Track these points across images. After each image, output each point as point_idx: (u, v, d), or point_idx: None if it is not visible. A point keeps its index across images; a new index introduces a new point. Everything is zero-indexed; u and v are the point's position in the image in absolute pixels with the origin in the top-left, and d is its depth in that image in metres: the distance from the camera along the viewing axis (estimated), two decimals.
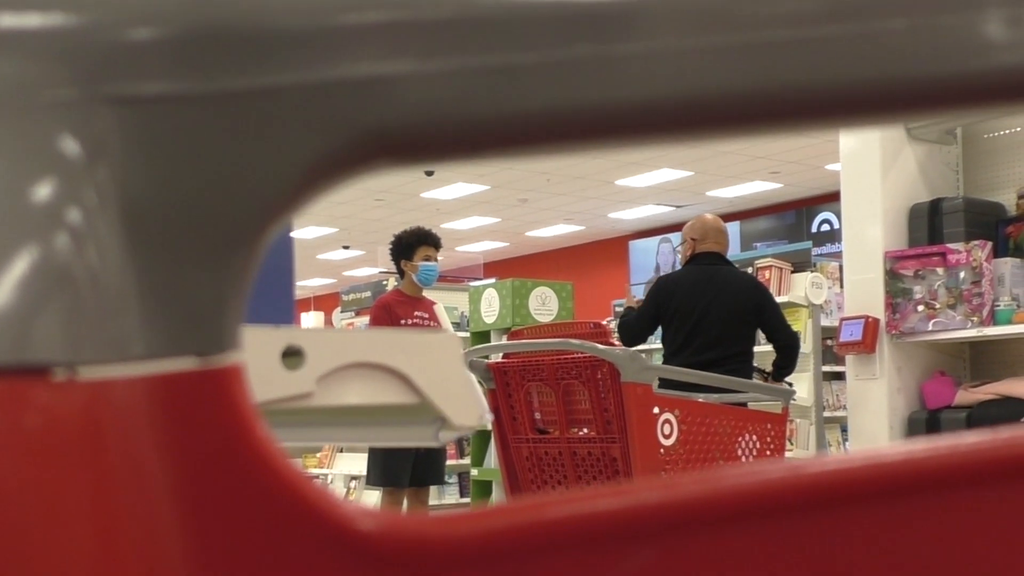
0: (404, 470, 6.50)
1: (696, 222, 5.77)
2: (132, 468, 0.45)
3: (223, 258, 0.47)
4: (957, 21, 0.51)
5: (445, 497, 9.65)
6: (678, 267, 6.08)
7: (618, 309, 11.14)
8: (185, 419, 0.46)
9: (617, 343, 5.20)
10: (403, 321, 6.52)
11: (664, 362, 5.61)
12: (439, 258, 6.76)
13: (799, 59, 0.49)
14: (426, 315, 6.59)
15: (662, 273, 17.40)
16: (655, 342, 10.10)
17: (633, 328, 5.78)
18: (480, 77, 0.47)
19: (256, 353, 0.49)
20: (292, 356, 0.55)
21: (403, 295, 6.69)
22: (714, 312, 5.44)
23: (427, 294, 6.83)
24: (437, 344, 0.59)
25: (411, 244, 6.63)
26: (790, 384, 5.85)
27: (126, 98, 0.45)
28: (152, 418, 0.45)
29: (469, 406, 0.59)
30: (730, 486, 0.54)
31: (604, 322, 7.85)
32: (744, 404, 5.15)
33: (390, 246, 6.77)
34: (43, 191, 0.44)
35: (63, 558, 0.42)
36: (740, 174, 16.57)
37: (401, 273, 6.74)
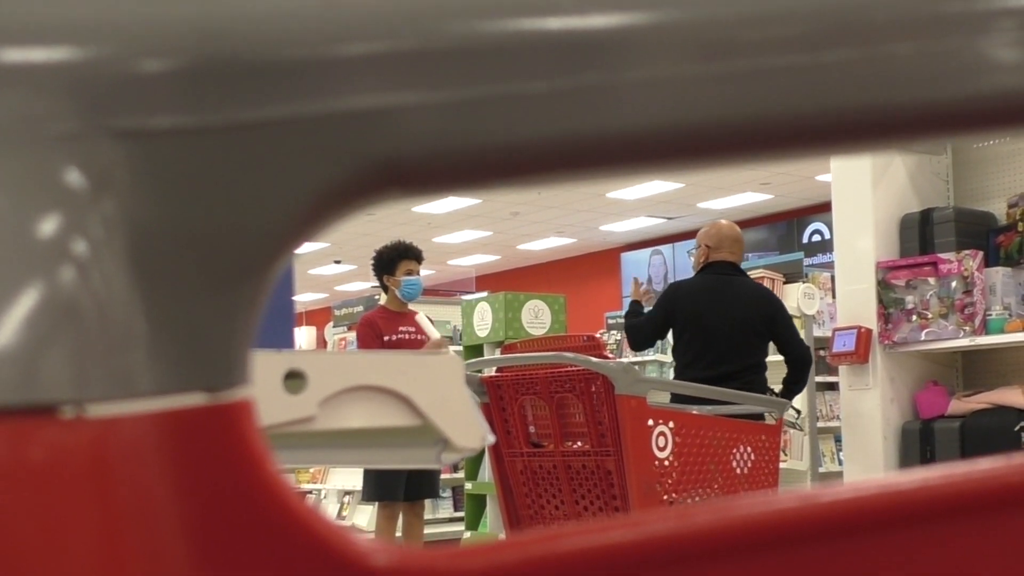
0: (398, 484, 6.48)
1: (712, 229, 5.62)
2: (141, 506, 0.44)
3: (232, 292, 0.47)
4: (954, 45, 0.51)
5: (439, 511, 9.63)
6: (671, 279, 6.05)
7: (611, 321, 11.14)
8: (195, 456, 0.46)
9: (611, 356, 5.19)
10: (387, 337, 6.49)
11: (677, 374, 5.53)
12: (431, 271, 6.75)
13: (800, 86, 0.49)
14: (412, 329, 6.56)
15: (654, 284, 17.39)
16: (651, 354, 10.11)
17: (644, 330, 5.69)
18: (487, 106, 0.47)
19: (258, 377, 0.49)
20: (294, 379, 0.55)
21: (387, 311, 6.63)
22: (727, 323, 5.35)
23: (413, 306, 6.79)
24: (438, 366, 0.58)
25: (392, 259, 6.58)
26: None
27: (133, 131, 0.45)
28: (161, 455, 0.45)
29: (471, 428, 0.59)
30: (741, 516, 0.54)
31: (597, 334, 7.86)
32: (761, 417, 5.10)
33: (372, 262, 6.73)
34: (49, 225, 0.43)
35: None
36: (731, 186, 16.59)
37: (385, 288, 6.70)
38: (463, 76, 0.47)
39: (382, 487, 6.52)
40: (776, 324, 5.46)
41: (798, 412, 5.83)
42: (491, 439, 0.60)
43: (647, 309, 5.80)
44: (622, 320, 10.90)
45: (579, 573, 0.51)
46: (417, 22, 0.47)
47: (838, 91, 0.50)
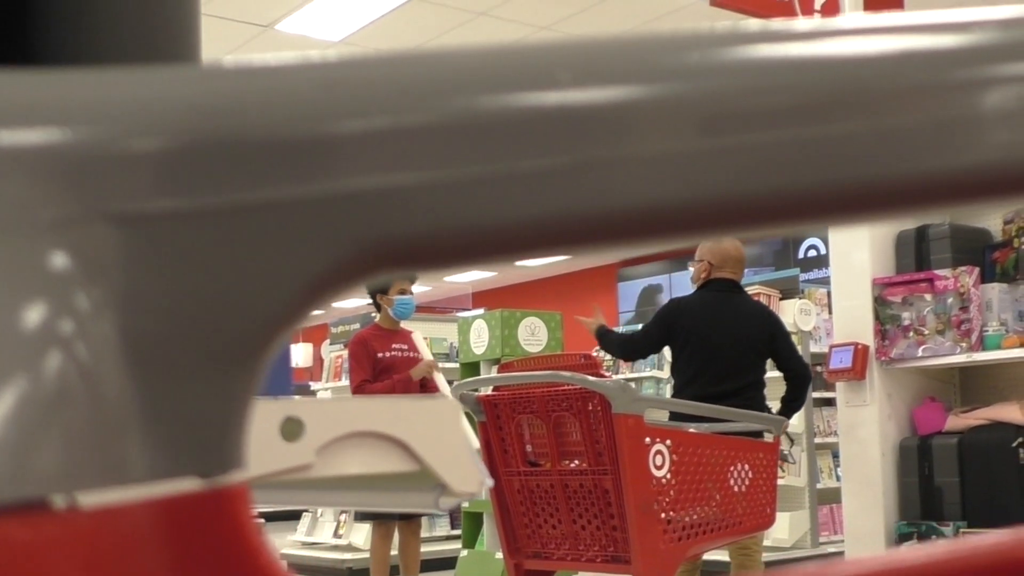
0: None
1: (715, 246, 5.58)
2: None
3: (226, 376, 0.46)
4: (959, 115, 0.51)
5: (436, 529, 9.61)
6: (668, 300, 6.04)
7: None
8: (190, 542, 0.45)
9: (607, 374, 5.18)
10: (380, 354, 6.48)
11: (676, 392, 5.52)
12: (427, 288, 6.77)
13: (795, 160, 0.49)
14: (405, 347, 6.56)
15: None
16: (646, 369, 10.11)
17: (639, 344, 5.70)
18: (485, 184, 0.47)
19: (255, 425, 0.49)
20: (291, 427, 0.55)
21: (380, 329, 6.65)
22: (727, 341, 5.36)
23: (409, 324, 6.79)
24: (436, 410, 0.58)
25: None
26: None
27: (126, 215, 0.44)
28: (155, 542, 0.44)
29: (469, 472, 0.59)
30: None
31: (594, 352, 7.85)
32: (759, 434, 5.10)
33: None
34: (39, 313, 0.42)
35: None
36: None
37: (378, 307, 6.70)
38: (460, 154, 0.46)
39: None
40: (776, 342, 5.47)
41: (792, 441, 5.82)
42: (490, 483, 0.60)
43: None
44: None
45: None
46: (413, 100, 0.47)
47: (842, 164, 0.49)
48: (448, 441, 0.58)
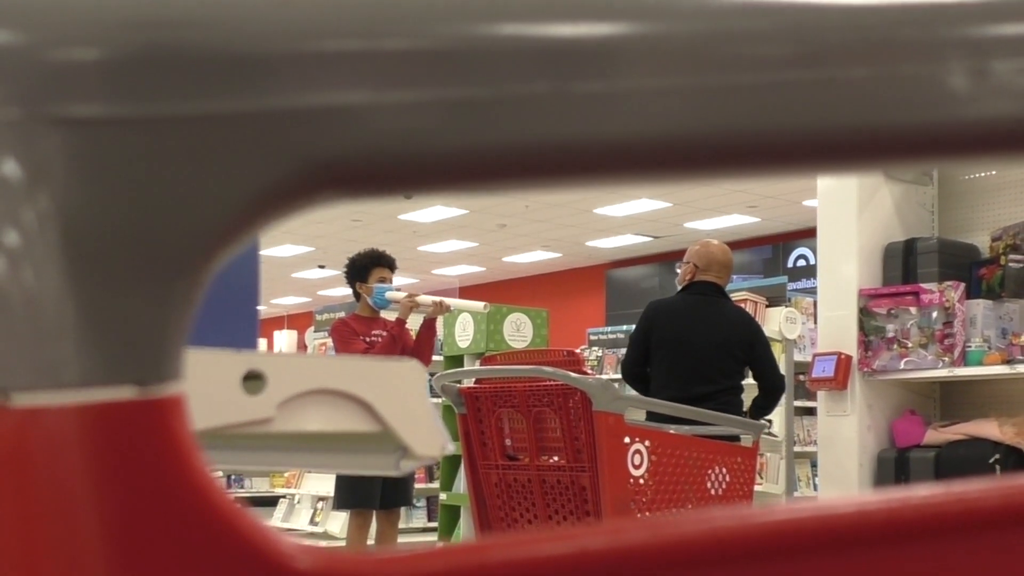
0: (372, 492, 6.44)
1: (702, 249, 5.62)
2: (63, 498, 0.44)
3: (165, 286, 0.46)
4: (929, 71, 0.51)
5: (413, 520, 9.61)
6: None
7: (593, 337, 11.14)
8: (121, 449, 0.45)
9: (591, 372, 5.18)
10: (362, 338, 6.42)
11: (653, 393, 5.51)
12: (414, 280, 6.71)
13: (767, 103, 0.49)
14: (384, 334, 6.50)
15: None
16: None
17: (628, 356, 5.68)
18: (436, 111, 0.46)
19: (216, 377, 0.49)
20: (253, 380, 0.54)
21: (359, 318, 6.54)
22: (705, 345, 5.36)
23: (385, 314, 6.71)
24: (400, 373, 0.58)
25: (365, 266, 6.48)
26: (769, 421, 5.84)
27: (69, 120, 0.44)
28: (86, 447, 0.44)
29: (431, 436, 0.59)
30: (680, 532, 0.54)
31: (578, 350, 7.85)
32: (736, 438, 5.10)
33: (344, 269, 6.65)
34: None
35: None
36: (718, 207, 16.63)
37: (357, 296, 6.63)
38: (413, 78, 0.46)
39: (356, 494, 6.48)
40: (755, 350, 5.49)
41: (770, 422, 5.85)
42: (451, 448, 0.60)
43: None
44: (606, 336, 10.91)
45: None
46: (365, 21, 0.46)
47: (810, 109, 0.49)
48: (411, 403, 0.58)
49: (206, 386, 0.49)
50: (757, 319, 7.33)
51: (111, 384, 0.45)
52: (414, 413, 0.58)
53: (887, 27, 0.51)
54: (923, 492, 0.57)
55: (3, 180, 0.43)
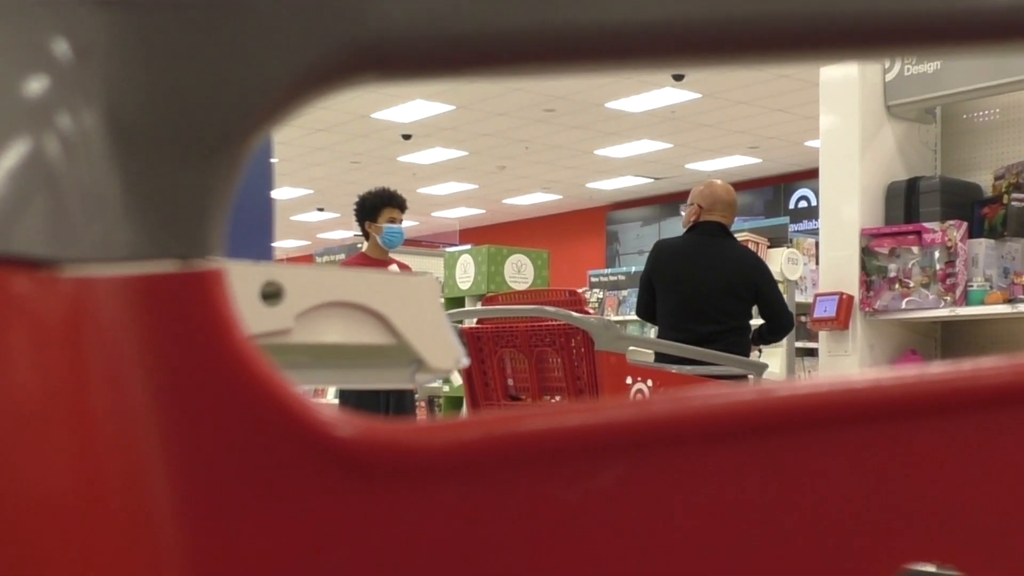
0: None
1: (706, 189, 5.60)
2: (112, 366, 0.45)
3: (206, 163, 0.47)
4: None
5: None
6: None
7: (594, 279, 11.15)
8: (166, 320, 0.47)
9: (592, 311, 5.19)
10: None
11: (659, 334, 5.52)
12: (415, 222, 6.68)
13: None
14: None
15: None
16: (630, 313, 10.13)
17: (638, 302, 5.73)
18: None
19: (235, 288, 0.50)
20: (271, 292, 0.55)
21: (367, 258, 6.52)
22: (709, 285, 5.36)
23: (396, 255, 6.70)
24: (416, 287, 0.58)
25: (375, 206, 6.45)
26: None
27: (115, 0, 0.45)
28: (133, 318, 0.46)
29: (446, 349, 0.59)
30: (697, 407, 0.54)
31: (580, 291, 7.87)
32: (744, 379, 5.12)
33: (354, 207, 6.62)
34: (32, 90, 0.44)
35: (40, 456, 0.42)
36: (719, 148, 16.59)
37: (366, 235, 6.59)
38: None
39: None
40: (761, 291, 5.49)
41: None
42: (466, 361, 0.60)
43: None
44: (607, 279, 10.92)
45: (541, 452, 0.52)
46: None
47: None
48: (426, 317, 0.58)
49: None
50: None
51: (155, 258, 0.47)
52: (429, 327, 0.58)
53: None
54: (936, 369, 0.58)
55: (52, 59, 0.44)
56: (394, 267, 6.45)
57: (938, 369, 0.58)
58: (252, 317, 0.53)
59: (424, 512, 0.50)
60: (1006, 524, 0.58)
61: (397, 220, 6.44)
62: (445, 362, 0.59)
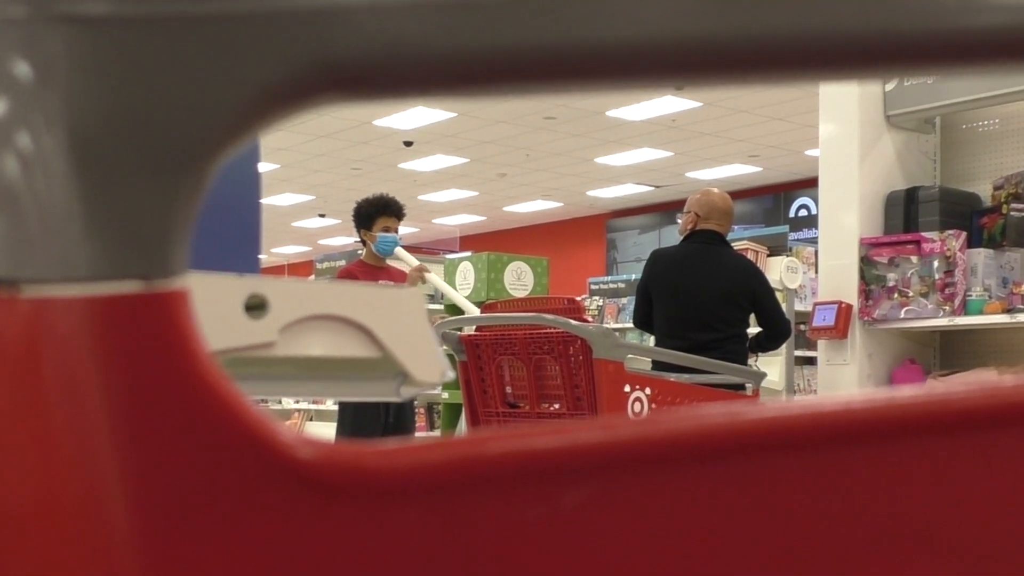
0: (374, 438, 6.45)
1: (704, 197, 5.60)
2: (71, 387, 0.45)
3: (169, 183, 0.47)
4: None
5: None
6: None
7: (594, 287, 11.15)
8: (126, 341, 0.47)
9: (591, 321, 5.19)
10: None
11: (656, 343, 5.52)
12: (415, 229, 6.67)
13: (780, 6, 0.49)
14: (391, 284, 6.48)
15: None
16: (629, 321, 10.13)
17: (634, 310, 5.73)
18: (436, 12, 0.47)
19: (219, 301, 0.50)
20: (255, 305, 0.55)
21: (366, 265, 6.49)
22: (707, 293, 5.36)
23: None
24: (400, 300, 0.58)
25: (370, 214, 6.39)
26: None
27: (75, 17, 0.45)
28: (93, 339, 0.46)
29: (431, 362, 0.59)
30: (665, 430, 0.54)
31: (579, 299, 7.86)
32: (742, 387, 5.12)
33: (352, 215, 6.59)
34: None
35: None
36: (719, 156, 16.59)
37: (364, 243, 6.58)
38: None
39: (357, 440, 6.49)
40: (758, 299, 5.49)
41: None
42: (451, 375, 0.60)
43: None
44: (607, 286, 10.92)
45: (504, 474, 0.52)
46: None
47: (820, 13, 0.50)
48: (411, 330, 0.58)
49: (209, 310, 0.50)
50: None
51: (116, 278, 0.46)
52: (414, 339, 0.59)
53: None
54: (907, 393, 0.58)
55: (11, 78, 0.44)
56: (384, 281, 6.44)
57: (908, 393, 0.58)
58: (236, 330, 0.53)
59: (386, 534, 0.50)
60: (987, 546, 0.58)
61: (392, 228, 6.41)
62: (430, 375, 0.59)
